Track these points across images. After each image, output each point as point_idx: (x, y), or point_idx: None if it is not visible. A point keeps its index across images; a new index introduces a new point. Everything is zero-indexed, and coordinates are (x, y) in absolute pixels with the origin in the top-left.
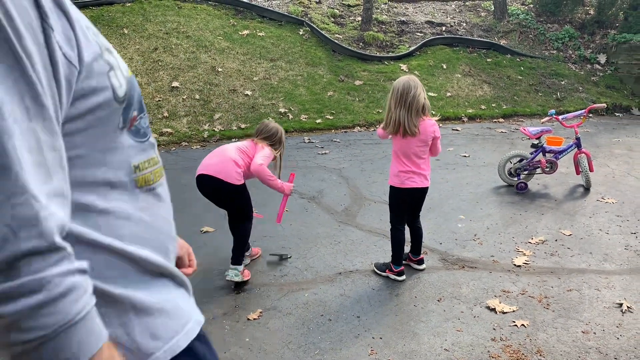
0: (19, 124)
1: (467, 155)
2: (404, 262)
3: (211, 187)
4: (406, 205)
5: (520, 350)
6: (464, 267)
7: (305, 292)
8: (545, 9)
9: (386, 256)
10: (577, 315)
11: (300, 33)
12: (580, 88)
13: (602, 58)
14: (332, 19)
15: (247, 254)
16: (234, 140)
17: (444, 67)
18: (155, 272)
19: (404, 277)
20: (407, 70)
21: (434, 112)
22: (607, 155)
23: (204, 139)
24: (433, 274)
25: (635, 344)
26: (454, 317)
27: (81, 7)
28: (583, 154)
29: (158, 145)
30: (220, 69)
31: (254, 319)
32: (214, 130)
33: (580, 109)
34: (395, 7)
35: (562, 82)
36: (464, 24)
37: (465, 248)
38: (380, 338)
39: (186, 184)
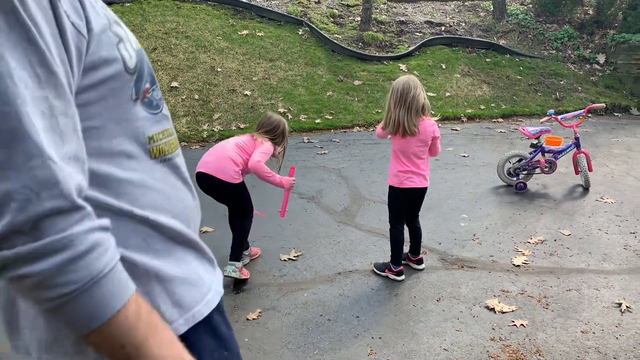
0: (30, 90)
1: (466, 155)
2: (403, 262)
3: (209, 184)
4: (405, 205)
5: (519, 350)
6: (463, 267)
7: (305, 292)
8: (545, 9)
9: (385, 256)
10: (576, 315)
11: (300, 33)
12: (579, 88)
13: (601, 58)
14: (332, 19)
15: (246, 253)
16: None
17: (443, 67)
18: (178, 240)
19: (403, 277)
20: (406, 70)
21: (433, 112)
22: (606, 155)
23: (203, 139)
24: (432, 274)
25: (634, 343)
26: (453, 317)
27: None
28: (582, 154)
29: None
30: (219, 69)
31: (253, 319)
32: (213, 130)
33: (579, 109)
34: (395, 7)
35: (561, 82)
36: (463, 24)
37: (464, 248)
38: (380, 338)
39: None
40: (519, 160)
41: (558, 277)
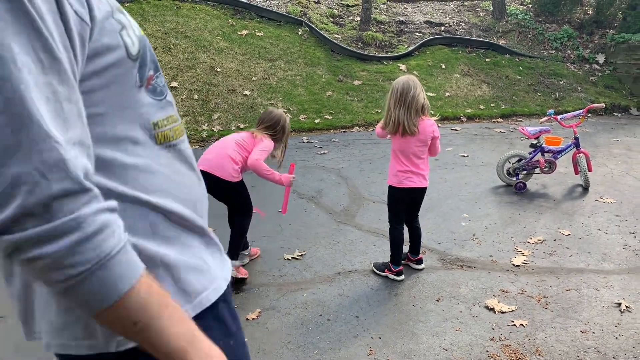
0: (34, 76)
1: (465, 155)
2: (402, 261)
3: (208, 183)
4: (405, 205)
5: (519, 350)
6: (462, 267)
7: (304, 292)
8: (544, 9)
9: (385, 256)
10: (576, 315)
11: (299, 33)
12: (579, 88)
13: (601, 58)
14: (331, 19)
15: (245, 253)
16: None
17: (443, 67)
18: (184, 226)
19: (402, 277)
20: (405, 70)
21: (433, 112)
22: (605, 155)
23: (202, 139)
24: (432, 274)
25: (633, 343)
26: (453, 316)
27: None
28: (582, 154)
29: None
30: (219, 69)
31: (253, 319)
32: (212, 130)
33: (579, 109)
34: (394, 7)
35: (561, 82)
36: (463, 24)
37: (464, 248)
38: (379, 338)
39: None
40: (519, 160)
41: (557, 277)
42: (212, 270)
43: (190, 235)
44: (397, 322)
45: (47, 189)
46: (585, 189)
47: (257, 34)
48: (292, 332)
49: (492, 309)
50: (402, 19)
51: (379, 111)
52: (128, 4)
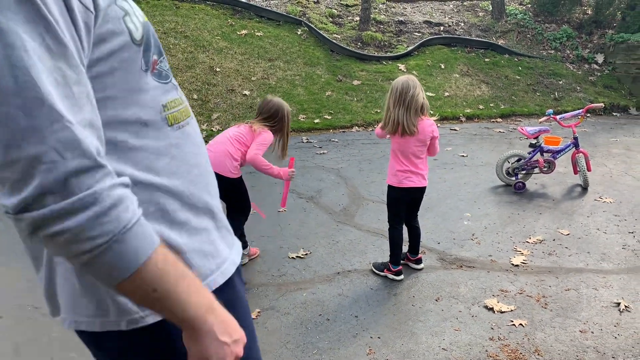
0: (44, 61)
1: (465, 155)
2: (402, 261)
3: None
4: (404, 204)
5: (518, 350)
6: (462, 266)
7: (304, 292)
8: (543, 9)
9: (384, 256)
10: (575, 315)
11: (299, 33)
12: (578, 88)
13: (600, 58)
14: (330, 18)
15: (245, 253)
16: None
17: (442, 67)
18: (194, 207)
19: (402, 276)
20: (405, 70)
21: (432, 112)
22: (604, 154)
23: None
24: (431, 274)
25: (632, 343)
26: (452, 316)
27: None
28: (581, 154)
29: None
30: (218, 69)
31: (252, 318)
32: (212, 130)
33: (578, 109)
34: (394, 7)
35: (560, 82)
36: (462, 24)
37: (463, 248)
38: (379, 337)
39: None
40: (518, 160)
41: (557, 276)
42: (221, 254)
43: (200, 217)
44: (397, 321)
45: (64, 167)
46: (585, 188)
47: (257, 33)
48: (291, 331)
49: (492, 309)
50: (401, 18)
51: (378, 111)
52: None
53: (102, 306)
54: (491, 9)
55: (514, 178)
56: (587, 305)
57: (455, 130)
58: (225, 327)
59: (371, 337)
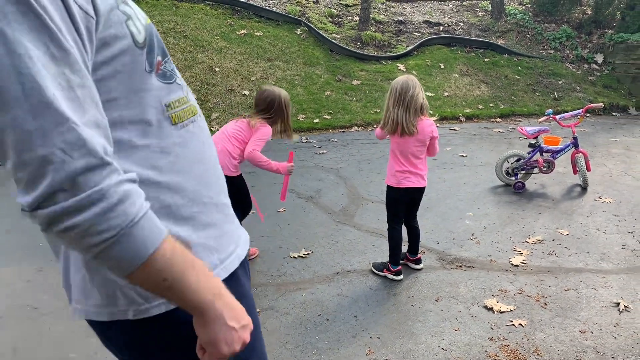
0: (48, 67)
1: (464, 155)
2: (401, 261)
3: None
4: (403, 204)
5: (517, 350)
6: (461, 266)
7: (303, 292)
8: (543, 9)
9: (384, 256)
10: (575, 315)
11: (298, 33)
12: (578, 88)
13: (600, 58)
14: (330, 18)
15: None
16: None
17: (442, 66)
18: (199, 204)
19: (401, 276)
20: (404, 70)
21: (431, 112)
22: (604, 154)
23: None
24: (430, 274)
25: (632, 343)
26: (452, 316)
27: None
28: (580, 154)
29: None
30: (217, 69)
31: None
32: (211, 130)
33: (578, 109)
34: (393, 7)
35: (560, 82)
36: (462, 24)
37: (462, 247)
38: (378, 338)
39: None
40: (517, 160)
41: (556, 276)
42: (225, 249)
43: (206, 213)
44: (396, 322)
45: (72, 166)
46: (584, 188)
47: (256, 33)
48: (290, 332)
49: (491, 309)
50: (400, 18)
51: (378, 111)
52: None
53: (111, 296)
54: (491, 8)
55: (513, 178)
56: (586, 305)
57: (454, 130)
58: (233, 313)
59: (370, 337)
